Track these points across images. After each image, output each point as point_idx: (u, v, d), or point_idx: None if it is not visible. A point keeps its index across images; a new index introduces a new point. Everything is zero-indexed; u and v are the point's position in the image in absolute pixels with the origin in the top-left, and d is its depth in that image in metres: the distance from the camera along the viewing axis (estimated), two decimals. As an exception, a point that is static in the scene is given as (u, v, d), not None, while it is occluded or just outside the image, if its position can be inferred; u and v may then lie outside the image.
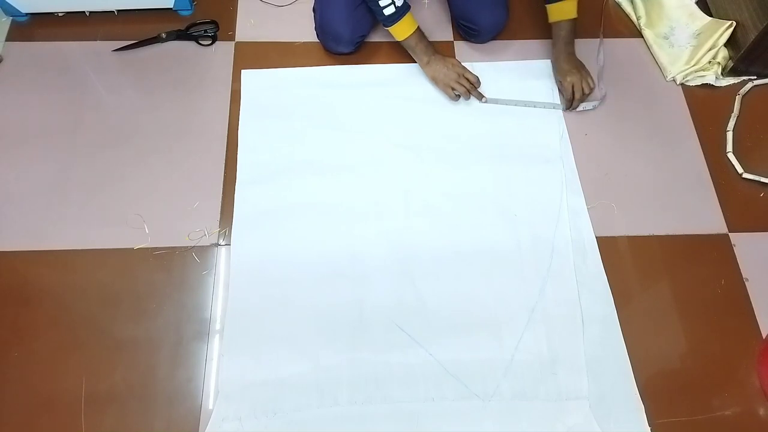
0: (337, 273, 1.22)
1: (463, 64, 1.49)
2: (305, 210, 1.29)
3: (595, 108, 1.46)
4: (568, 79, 1.42)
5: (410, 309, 1.18)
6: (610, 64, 1.54)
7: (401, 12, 1.36)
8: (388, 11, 1.35)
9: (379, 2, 1.34)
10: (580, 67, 1.44)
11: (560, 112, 1.45)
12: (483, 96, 1.44)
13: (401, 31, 1.38)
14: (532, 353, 1.15)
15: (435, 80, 1.43)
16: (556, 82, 1.48)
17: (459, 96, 1.43)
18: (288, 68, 1.48)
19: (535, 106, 1.44)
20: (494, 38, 1.55)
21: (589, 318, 1.19)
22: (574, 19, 1.41)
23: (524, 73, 1.51)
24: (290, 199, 1.30)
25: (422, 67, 1.44)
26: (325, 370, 1.12)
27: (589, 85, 1.42)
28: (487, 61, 1.52)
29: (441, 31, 1.57)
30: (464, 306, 1.19)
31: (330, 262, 1.23)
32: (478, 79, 1.43)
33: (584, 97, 1.43)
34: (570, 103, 1.43)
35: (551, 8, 1.41)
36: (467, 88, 1.41)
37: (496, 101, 1.44)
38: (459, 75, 1.41)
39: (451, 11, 1.56)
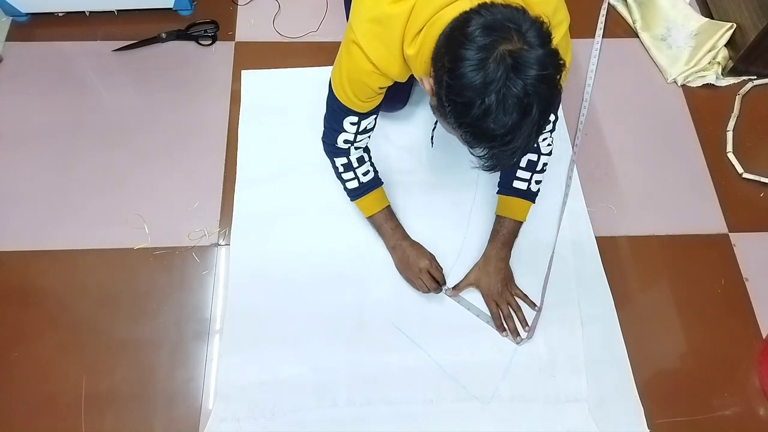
0: (337, 274, 1.21)
1: None
2: (304, 211, 1.28)
3: (521, 343, 1.16)
4: (482, 284, 1.19)
5: (409, 310, 1.18)
6: (610, 64, 1.54)
7: (366, 188, 1.17)
8: (351, 185, 1.17)
9: (342, 174, 1.16)
10: (500, 274, 1.18)
11: (559, 113, 1.44)
12: (447, 290, 1.21)
13: (365, 207, 1.20)
14: (531, 355, 1.15)
15: (398, 269, 1.21)
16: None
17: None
18: (288, 69, 1.48)
19: (487, 322, 1.18)
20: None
21: (589, 319, 1.19)
22: (521, 222, 1.20)
23: None
24: (290, 200, 1.30)
25: (388, 249, 1.23)
26: (324, 371, 1.12)
27: (511, 302, 1.18)
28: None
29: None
30: (463, 308, 1.20)
31: (329, 263, 1.23)
32: (444, 279, 1.19)
33: (514, 316, 1.18)
34: (501, 324, 1.17)
35: (502, 199, 1.20)
36: (427, 286, 1.16)
37: (459, 301, 1.21)
38: (421, 270, 1.17)
39: None
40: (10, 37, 1.51)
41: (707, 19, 1.51)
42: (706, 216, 1.33)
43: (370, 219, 1.21)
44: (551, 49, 0.76)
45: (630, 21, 1.62)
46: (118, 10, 1.54)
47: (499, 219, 1.21)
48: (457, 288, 1.21)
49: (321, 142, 1.16)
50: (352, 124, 1.07)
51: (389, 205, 1.22)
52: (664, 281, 1.25)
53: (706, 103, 1.49)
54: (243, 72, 1.47)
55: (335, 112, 1.07)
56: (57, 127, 1.37)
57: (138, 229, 1.25)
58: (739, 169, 1.38)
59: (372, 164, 1.19)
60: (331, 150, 1.15)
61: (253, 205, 1.28)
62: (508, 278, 1.20)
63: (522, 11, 0.77)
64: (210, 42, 1.53)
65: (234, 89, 1.44)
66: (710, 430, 1.11)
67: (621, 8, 1.64)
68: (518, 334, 1.16)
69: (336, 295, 1.19)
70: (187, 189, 1.30)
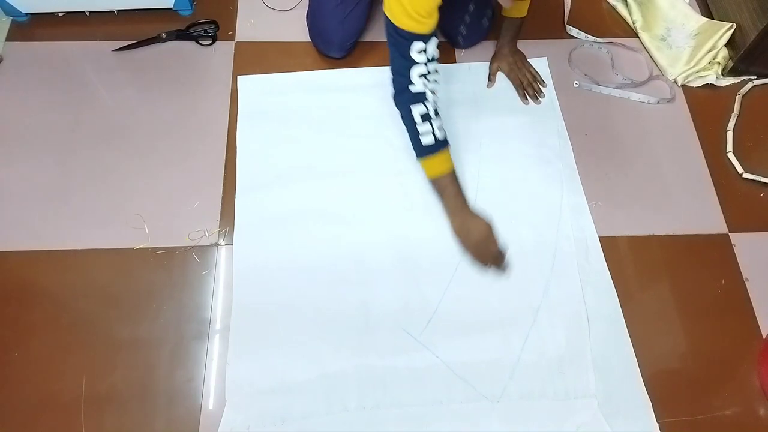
0: (342, 278, 1.21)
1: (462, 65, 1.49)
2: (307, 215, 1.27)
3: (653, 102, 1.47)
4: (503, 66, 1.47)
5: (416, 312, 1.18)
6: (609, 64, 1.54)
7: (439, 146, 1.15)
8: (426, 140, 1.14)
9: (417, 126, 1.13)
10: (515, 55, 1.48)
11: (558, 112, 1.45)
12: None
13: (433, 166, 1.19)
14: (538, 353, 1.15)
15: (457, 236, 1.22)
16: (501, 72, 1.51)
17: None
18: (284, 73, 1.47)
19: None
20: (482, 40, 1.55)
21: (595, 316, 1.19)
22: (523, 17, 1.44)
23: None
24: (292, 205, 1.29)
25: (447, 216, 1.23)
26: (333, 376, 1.11)
27: (529, 71, 1.47)
28: (486, 61, 1.52)
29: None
30: (469, 308, 1.19)
31: (334, 267, 1.22)
32: (504, 250, 1.22)
33: (533, 85, 1.46)
34: (523, 94, 1.45)
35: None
36: (491, 260, 1.20)
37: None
38: (487, 240, 1.20)
39: None
40: (10, 37, 1.51)
41: (707, 19, 1.51)
42: (706, 216, 1.33)
43: (434, 180, 1.20)
44: None
45: (630, 21, 1.63)
46: (118, 10, 1.54)
47: (505, 21, 1.44)
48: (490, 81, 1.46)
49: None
50: (420, 51, 1.08)
51: (454, 170, 1.20)
52: (664, 281, 1.25)
53: (706, 103, 1.49)
54: (239, 78, 1.45)
55: (400, 44, 1.08)
56: (57, 126, 1.37)
57: (138, 229, 1.25)
58: (739, 169, 1.38)
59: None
60: (407, 98, 1.13)
61: (254, 212, 1.27)
62: (522, 58, 1.49)
63: None
64: (210, 42, 1.53)
65: (234, 89, 1.44)
66: (710, 430, 1.11)
67: (621, 8, 1.65)
68: (538, 97, 1.43)
69: (341, 299, 1.18)
70: (187, 189, 1.30)
